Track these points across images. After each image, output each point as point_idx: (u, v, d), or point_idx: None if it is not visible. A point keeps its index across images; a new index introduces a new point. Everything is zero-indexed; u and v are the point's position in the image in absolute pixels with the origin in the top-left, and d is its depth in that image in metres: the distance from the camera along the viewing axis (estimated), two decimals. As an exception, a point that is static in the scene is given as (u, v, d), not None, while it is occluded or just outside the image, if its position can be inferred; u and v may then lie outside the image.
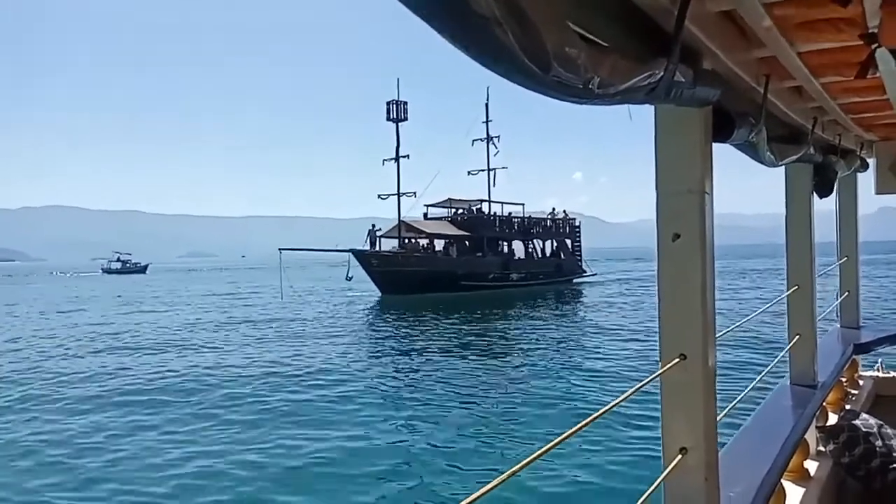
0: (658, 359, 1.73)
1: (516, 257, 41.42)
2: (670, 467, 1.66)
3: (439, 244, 38.34)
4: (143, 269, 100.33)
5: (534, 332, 20.31)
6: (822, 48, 1.83)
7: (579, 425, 1.30)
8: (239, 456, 8.34)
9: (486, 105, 42.50)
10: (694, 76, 1.36)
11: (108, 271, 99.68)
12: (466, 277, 35.52)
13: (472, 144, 43.42)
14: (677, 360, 1.67)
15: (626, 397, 1.48)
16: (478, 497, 0.98)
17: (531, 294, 35.03)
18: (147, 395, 12.28)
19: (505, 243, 40.72)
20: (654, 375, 1.65)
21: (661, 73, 1.16)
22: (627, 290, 38.66)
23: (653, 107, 1.67)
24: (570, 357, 15.84)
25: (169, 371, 14.60)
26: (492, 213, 40.59)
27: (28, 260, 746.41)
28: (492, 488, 1.01)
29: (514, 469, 1.05)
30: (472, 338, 19.43)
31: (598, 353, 16.17)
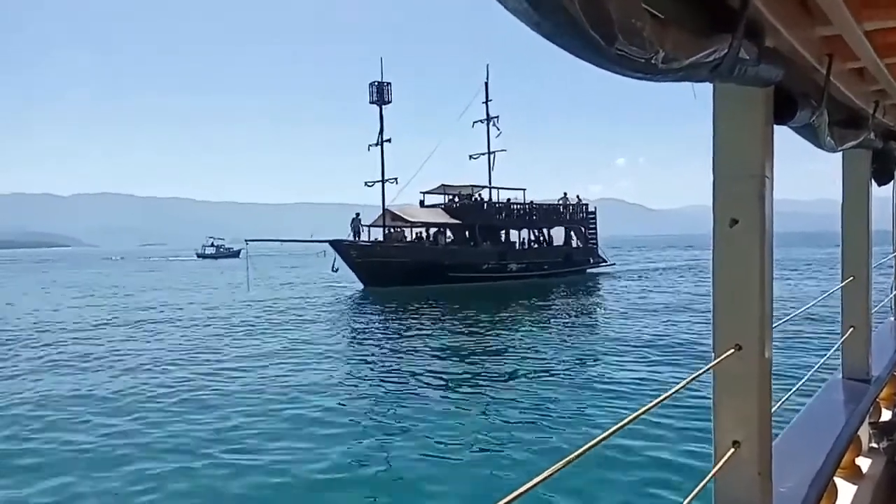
0: (711, 349, 1.67)
1: (519, 247, 38.76)
2: (723, 461, 1.61)
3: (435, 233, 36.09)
4: (235, 254, 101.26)
5: (522, 334, 17.75)
6: (891, 26, 1.80)
7: (627, 419, 1.24)
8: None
9: (486, 84, 39.65)
10: (758, 53, 1.29)
11: (203, 256, 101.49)
12: (455, 268, 32.99)
13: (473, 126, 40.78)
14: (732, 350, 1.62)
15: (679, 389, 1.40)
16: (522, 493, 0.98)
17: (531, 287, 32.39)
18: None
19: (505, 232, 37.91)
20: (708, 366, 1.59)
21: (726, 50, 1.12)
22: (646, 280, 35.80)
23: (711, 88, 1.62)
24: (560, 360, 13.77)
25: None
26: (488, 198, 37.82)
27: (80, 245, 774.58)
28: (533, 486, 0.99)
29: (556, 467, 1.03)
30: (445, 339, 17.07)
31: (597, 355, 14.14)
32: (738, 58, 1.18)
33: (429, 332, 18.48)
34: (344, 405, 10.58)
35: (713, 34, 1.10)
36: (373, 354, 15.56)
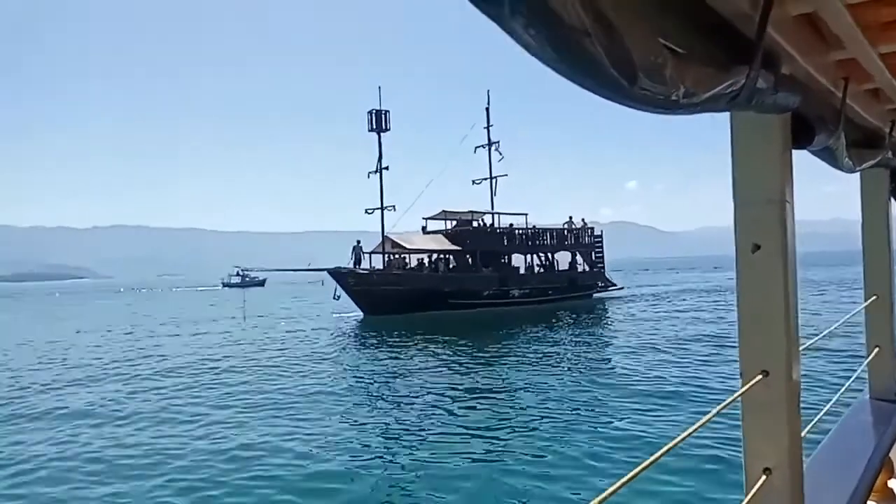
0: (739, 375, 1.67)
1: (526, 272, 38.37)
2: (754, 489, 1.60)
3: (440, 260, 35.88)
4: (261, 283, 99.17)
5: (521, 363, 17.06)
6: None
7: (659, 453, 1.24)
8: None
9: (487, 109, 39.88)
10: (775, 82, 1.32)
11: (229, 285, 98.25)
12: (455, 295, 32.63)
13: (475, 151, 40.87)
14: (760, 376, 1.62)
15: (708, 420, 1.39)
16: None
17: (533, 312, 31.91)
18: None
19: (508, 257, 37.54)
20: (736, 395, 1.60)
21: (744, 81, 1.14)
22: (654, 304, 35.20)
23: (728, 115, 1.65)
24: (566, 394, 13.08)
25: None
26: (489, 224, 37.53)
27: (96, 277, 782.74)
28: None
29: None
30: (438, 372, 16.49)
31: (604, 387, 13.45)
32: (756, 88, 1.18)
33: (422, 364, 18.00)
34: (334, 439, 10.20)
35: (731, 66, 1.10)
36: (361, 385, 15.20)
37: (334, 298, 34.01)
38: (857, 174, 2.99)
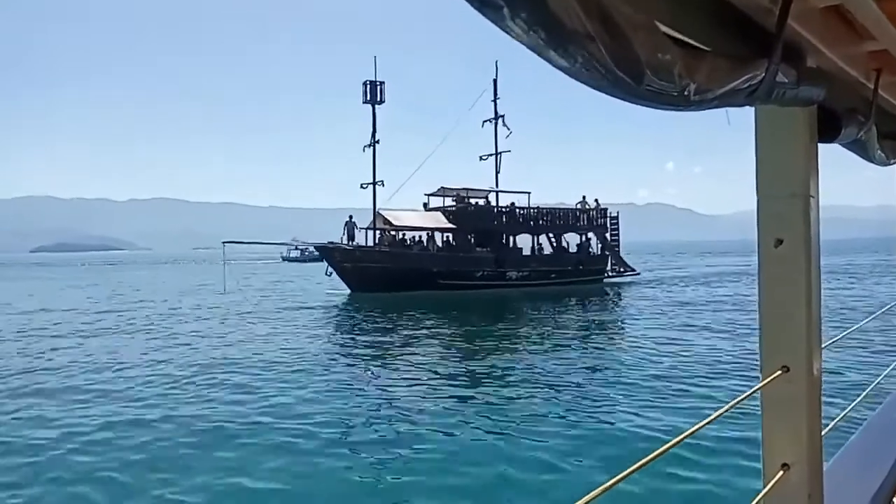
0: (759, 370, 1.68)
1: (536, 253, 36.75)
2: (770, 484, 1.60)
3: (438, 238, 34.69)
4: (320, 258, 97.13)
5: (503, 348, 15.80)
6: None
7: (671, 443, 1.22)
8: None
9: (495, 81, 37.85)
10: (797, 75, 1.29)
11: (288, 259, 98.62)
12: (445, 275, 31.35)
13: (482, 126, 39.14)
14: (779, 371, 1.63)
15: (724, 412, 1.40)
16: None
17: (532, 296, 30.46)
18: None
19: (510, 237, 35.92)
20: (754, 388, 1.60)
21: (762, 75, 1.11)
22: (668, 290, 33.17)
23: (752, 107, 1.61)
24: (557, 383, 11.87)
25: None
26: (495, 202, 36.01)
27: (134, 249, 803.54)
28: None
29: (593, 494, 1.00)
30: (410, 355, 15.48)
31: (600, 377, 12.32)
32: (776, 82, 1.15)
33: (396, 344, 17.07)
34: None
35: (748, 60, 1.06)
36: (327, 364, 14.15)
37: (326, 275, 33.28)
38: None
